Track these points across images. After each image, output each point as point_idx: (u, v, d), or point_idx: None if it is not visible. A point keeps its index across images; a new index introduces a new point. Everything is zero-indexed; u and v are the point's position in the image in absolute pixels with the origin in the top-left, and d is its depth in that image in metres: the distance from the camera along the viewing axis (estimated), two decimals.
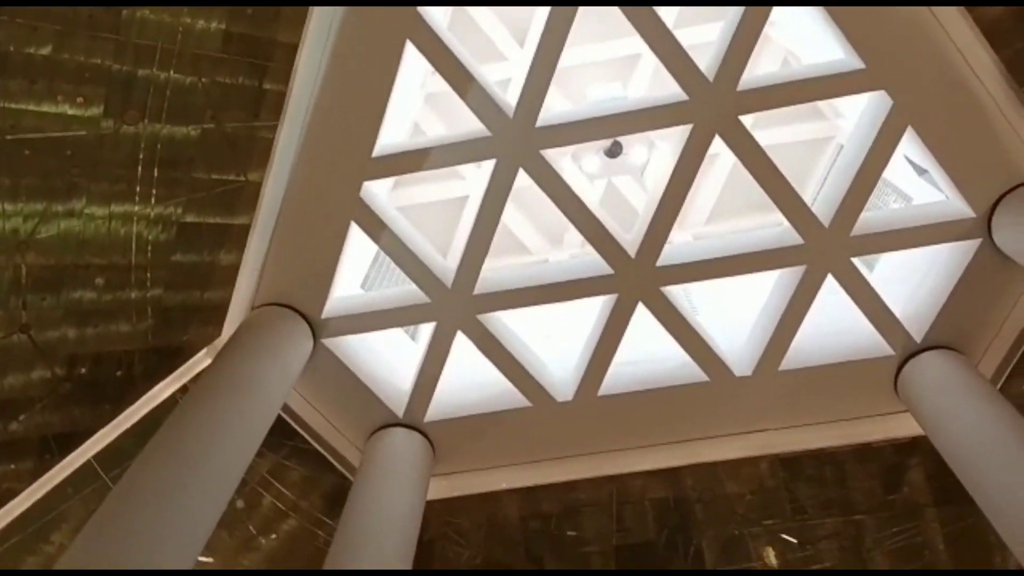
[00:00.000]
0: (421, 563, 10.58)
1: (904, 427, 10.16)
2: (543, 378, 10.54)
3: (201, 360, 9.69)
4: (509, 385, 10.51)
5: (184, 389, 9.58)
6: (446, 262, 10.26)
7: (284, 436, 10.58)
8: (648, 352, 10.94)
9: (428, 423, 10.58)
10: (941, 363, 9.50)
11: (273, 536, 10.83)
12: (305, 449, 10.80)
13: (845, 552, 10.55)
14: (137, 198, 8.38)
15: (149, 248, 8.74)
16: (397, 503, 9.34)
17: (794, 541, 10.72)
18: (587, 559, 11.07)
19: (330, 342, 10.20)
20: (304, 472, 10.89)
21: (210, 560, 10.49)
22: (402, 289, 10.32)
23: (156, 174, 8.36)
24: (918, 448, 10.36)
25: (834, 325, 10.41)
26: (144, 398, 9.48)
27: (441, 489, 10.88)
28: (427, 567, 11.04)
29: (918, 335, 9.75)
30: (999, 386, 9.66)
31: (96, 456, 9.44)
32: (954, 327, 9.64)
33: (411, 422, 10.53)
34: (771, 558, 10.71)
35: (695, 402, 10.53)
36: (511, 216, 12.81)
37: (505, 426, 10.77)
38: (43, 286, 8.43)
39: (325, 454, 10.79)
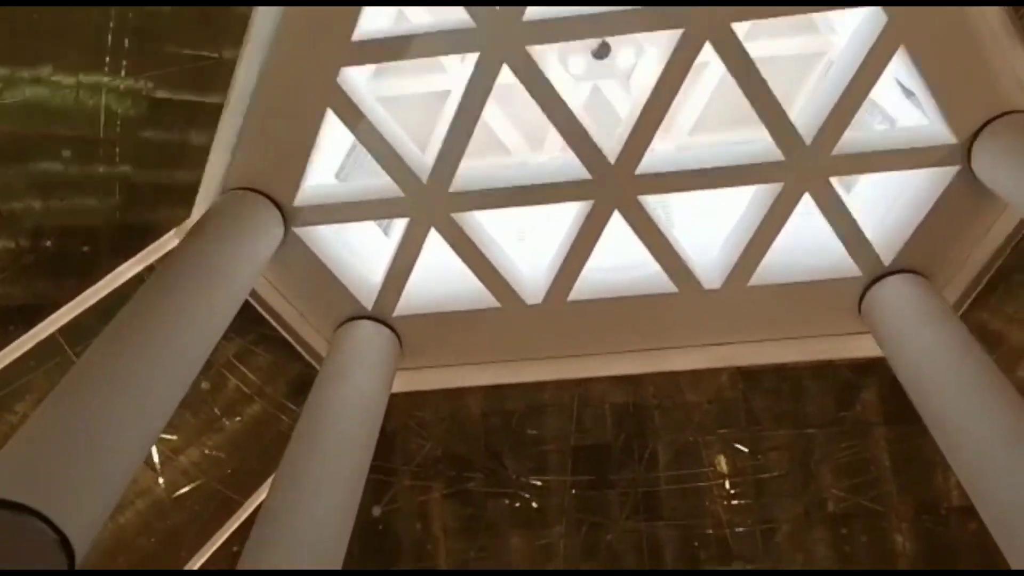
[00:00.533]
0: (383, 453, 10.79)
1: (863, 348, 10.35)
2: (514, 280, 10.56)
3: (169, 241, 9.57)
4: (479, 285, 10.52)
5: (151, 269, 9.49)
6: (423, 157, 10.11)
7: (251, 322, 10.58)
8: (620, 260, 10.96)
9: (396, 317, 10.61)
10: (906, 287, 9.61)
11: (237, 419, 10.95)
12: (272, 336, 10.83)
13: (794, 463, 10.90)
14: (107, 68, 8.09)
15: (118, 122, 8.50)
16: (361, 393, 9.44)
17: (745, 450, 11.04)
18: (545, 457, 11.35)
19: (301, 231, 10.11)
20: (270, 358, 10.94)
21: (173, 438, 10.62)
22: (377, 182, 10.18)
23: (127, 44, 8.05)
24: (875, 369, 10.60)
25: (805, 244, 10.46)
26: (110, 275, 9.38)
27: (406, 382, 11.00)
28: (388, 457, 11.27)
29: (886, 258, 9.84)
30: (960, 313, 9.83)
31: (61, 330, 9.39)
32: (922, 253, 9.73)
33: (379, 315, 10.55)
34: (722, 465, 11.05)
35: (662, 312, 10.63)
36: (492, 114, 12.56)
37: (473, 325, 10.84)
38: (7, 154, 8.21)
39: (292, 342, 10.82)
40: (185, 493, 10.90)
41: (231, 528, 11.05)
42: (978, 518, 7.80)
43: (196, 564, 11.03)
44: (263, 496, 10.59)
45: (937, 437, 8.35)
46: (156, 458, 10.79)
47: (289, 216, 9.85)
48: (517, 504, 11.27)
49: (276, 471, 8.81)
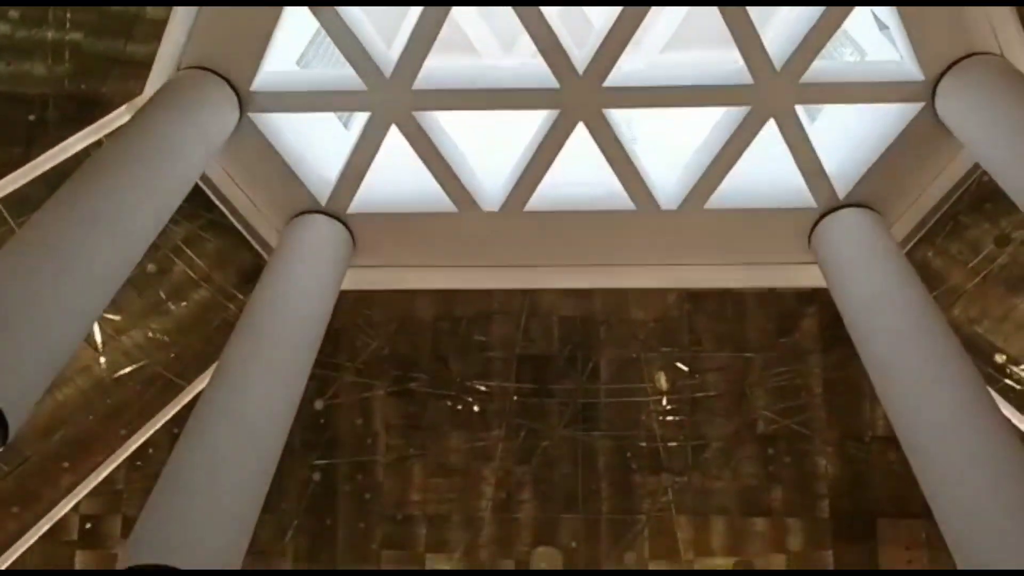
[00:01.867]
0: (328, 349, 10.83)
1: (809, 278, 10.56)
2: (472, 185, 10.48)
3: (120, 116, 9.26)
4: (437, 188, 10.42)
5: (99, 143, 9.21)
6: (388, 51, 9.84)
7: (202, 207, 10.38)
8: (580, 175, 10.91)
9: (351, 214, 10.49)
10: (857, 221, 9.77)
11: (183, 303, 10.86)
12: (223, 223, 10.66)
13: (730, 384, 11.20)
14: None
15: None
16: (310, 287, 9.40)
17: (685, 369, 11.31)
18: (489, 364, 11.49)
19: (257, 117, 9.83)
20: (219, 245, 10.79)
21: (117, 318, 10.51)
22: (338, 73, 9.91)
23: None
24: (817, 299, 10.86)
25: (764, 172, 10.51)
26: (58, 147, 9.09)
27: (357, 281, 10.96)
28: (334, 353, 11.31)
29: (842, 191, 9.95)
30: (906, 250, 10.05)
31: (3, 200, 9.13)
32: (877, 188, 9.86)
33: (333, 211, 10.43)
34: (661, 382, 11.31)
35: (618, 229, 10.68)
36: (464, 13, 12.23)
37: (428, 228, 10.79)
38: None
39: (242, 231, 10.68)
40: (127, 374, 10.86)
41: (172, 411, 11.08)
42: (898, 449, 8.15)
43: (135, 444, 11.08)
44: (206, 382, 10.58)
45: (869, 369, 8.63)
46: (98, 337, 10.69)
47: (245, 100, 9.57)
48: (459, 407, 11.45)
49: (220, 358, 8.79)
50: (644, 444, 11.28)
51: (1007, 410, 10.25)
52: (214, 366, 9.09)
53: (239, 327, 8.94)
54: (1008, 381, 10.50)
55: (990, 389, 8.58)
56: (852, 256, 9.49)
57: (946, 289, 10.39)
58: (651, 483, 11.18)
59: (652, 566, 10.92)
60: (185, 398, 11.12)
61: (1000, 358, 10.45)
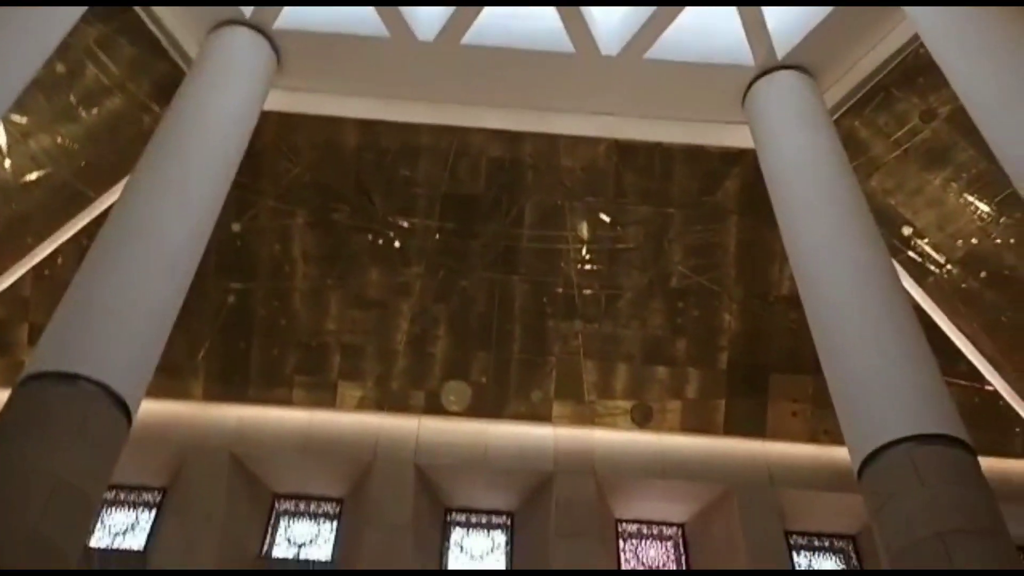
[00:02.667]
0: (248, 171, 10.53)
1: (737, 138, 10.63)
2: (408, 11, 10.02)
3: None
4: (372, 10, 9.94)
5: None
6: None
7: (117, 8, 9.72)
8: (522, 11, 10.52)
9: (277, 30, 9.96)
10: (791, 83, 9.76)
11: (94, 111, 10.32)
12: (139, 28, 10.03)
13: (648, 238, 11.40)
14: None
15: None
16: (230, 103, 9.01)
17: (607, 220, 11.43)
18: (413, 200, 11.38)
19: None
20: (135, 52, 10.18)
21: (23, 120, 9.96)
22: None
23: None
24: (742, 160, 10.97)
25: (706, 27, 10.32)
26: None
27: (281, 102, 10.55)
28: (255, 177, 11.01)
29: (781, 51, 9.88)
30: (835, 117, 10.13)
31: None
32: (815, 51, 9.80)
33: (258, 24, 9.87)
34: (583, 231, 11.43)
35: (555, 72, 10.44)
36: None
37: (360, 53, 10.34)
38: None
39: (160, 37, 10.08)
40: (33, 180, 10.41)
41: (81, 222, 10.74)
42: (798, 309, 8.51)
43: (43, 253, 10.76)
44: (116, 196, 10.23)
45: (782, 230, 8.85)
46: (3, 139, 10.16)
47: None
48: (380, 241, 11.40)
49: (132, 172, 8.46)
50: (560, 290, 11.50)
51: (906, 281, 10.74)
52: (126, 179, 8.77)
53: (155, 140, 8.58)
54: (911, 253, 10.96)
55: (893, 260, 8.95)
56: (782, 118, 9.54)
57: (867, 159, 10.61)
58: (563, 328, 11.48)
59: (557, 406, 11.37)
60: (95, 211, 10.76)
61: (907, 230, 10.86)
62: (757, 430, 11.28)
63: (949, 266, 10.87)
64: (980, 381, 11.10)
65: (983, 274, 10.66)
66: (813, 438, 11.14)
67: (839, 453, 8.93)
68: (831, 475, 10.71)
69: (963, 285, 10.84)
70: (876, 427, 6.72)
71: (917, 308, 10.67)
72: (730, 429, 11.30)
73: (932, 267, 10.96)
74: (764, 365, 11.36)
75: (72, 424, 6.13)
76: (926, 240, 10.86)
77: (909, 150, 10.46)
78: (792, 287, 9.61)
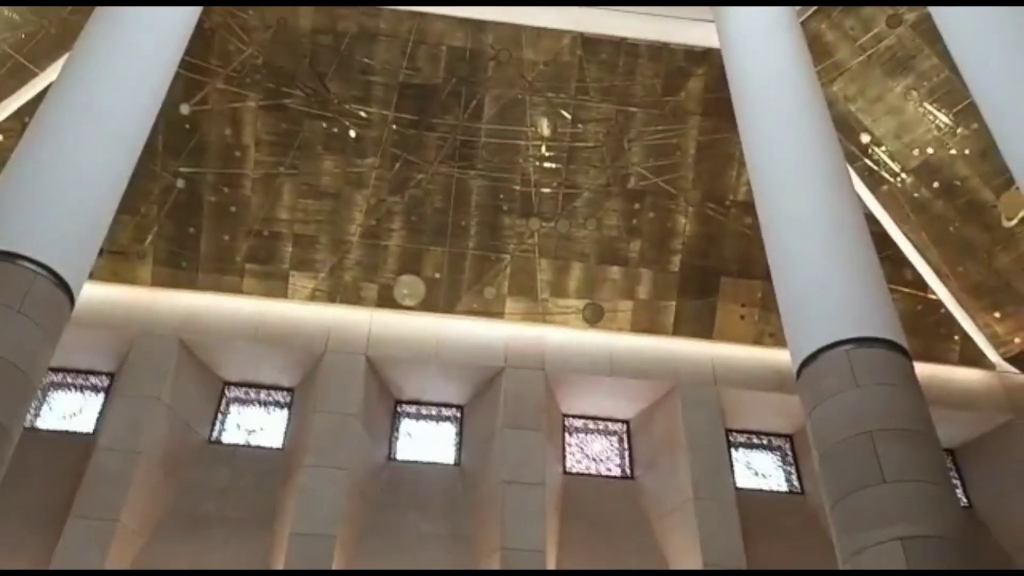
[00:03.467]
0: (197, 50, 10.14)
1: (704, 38, 10.44)
2: None
3: None
4: None
5: None
6: None
7: None
8: None
9: None
10: None
11: None
12: None
13: (609, 137, 11.29)
14: None
15: None
16: None
17: (568, 117, 11.27)
18: (369, 88, 11.08)
19: None
20: None
21: None
22: None
23: None
24: (708, 60, 10.82)
25: None
26: None
27: None
28: (204, 56, 10.61)
29: None
30: (803, 19, 9.96)
31: None
32: None
33: None
34: (542, 128, 11.27)
35: None
36: None
37: None
38: None
39: None
40: None
41: (23, 98, 10.29)
42: (754, 215, 8.55)
43: None
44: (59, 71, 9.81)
45: (742, 132, 8.80)
46: None
47: None
48: (335, 129, 11.13)
49: (74, 45, 8.07)
50: (518, 188, 11.41)
51: (860, 188, 10.83)
52: (68, 54, 8.37)
53: (97, 12, 8.15)
54: (867, 161, 11.02)
55: (849, 167, 8.97)
56: (750, 17, 9.33)
57: (831, 64, 10.53)
58: (519, 225, 11.44)
59: (509, 303, 11.43)
60: (38, 85, 10.31)
61: (865, 138, 10.88)
62: (705, 331, 11.49)
63: (903, 175, 10.96)
64: (924, 289, 11.37)
65: (936, 184, 10.78)
66: (758, 341, 11.39)
67: (782, 356, 9.13)
68: (773, 377, 11.01)
69: (915, 195, 10.97)
70: (817, 329, 6.87)
71: (869, 216, 10.78)
72: (678, 330, 11.49)
73: (887, 175, 11.04)
74: (716, 269, 11.49)
75: (11, 303, 6.02)
76: (883, 148, 10.90)
77: (873, 56, 10.39)
78: (749, 193, 9.62)
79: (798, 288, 7.32)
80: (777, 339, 10.30)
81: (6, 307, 5.96)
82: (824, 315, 6.94)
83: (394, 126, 11.19)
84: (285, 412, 11.08)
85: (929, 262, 11.23)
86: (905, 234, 11.20)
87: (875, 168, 11.01)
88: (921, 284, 11.35)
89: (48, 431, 10.29)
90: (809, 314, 7.10)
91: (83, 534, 8.94)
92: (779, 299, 7.62)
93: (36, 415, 10.44)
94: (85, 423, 10.41)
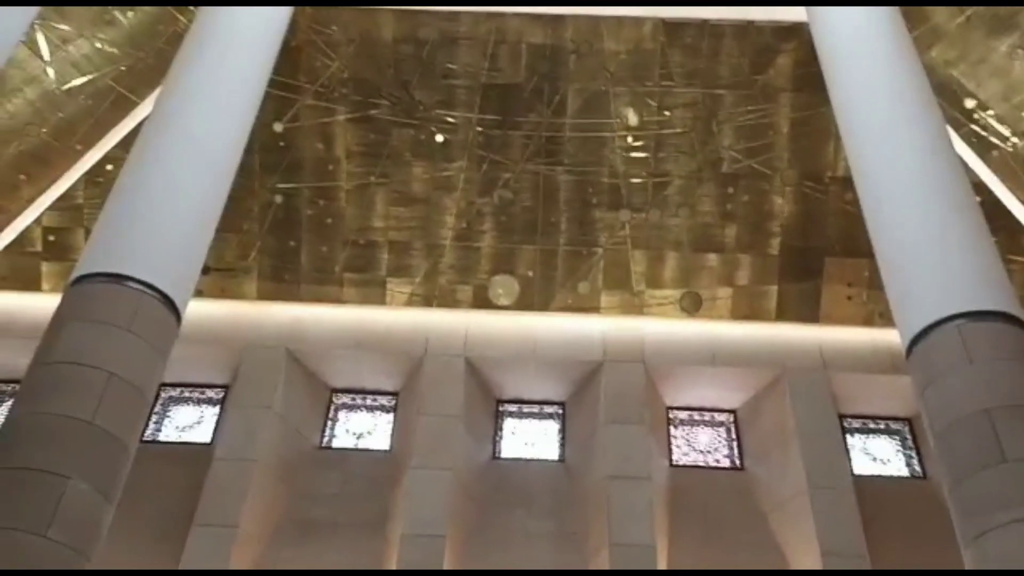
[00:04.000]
0: (286, 69, 10.46)
1: (791, 12, 10.09)
2: None
3: None
4: None
5: None
6: None
7: None
8: None
9: None
10: None
11: (130, 13, 10.27)
12: None
13: (696, 122, 11.05)
14: None
15: None
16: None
17: (653, 105, 11.08)
18: (453, 92, 11.19)
19: None
20: None
21: (64, 27, 9.96)
22: None
23: None
24: (796, 35, 10.46)
25: None
26: None
27: None
28: (292, 74, 10.93)
29: None
30: None
31: None
32: None
33: None
34: (628, 118, 11.11)
35: None
36: None
37: None
38: None
39: None
40: (77, 87, 10.49)
41: (127, 128, 10.83)
42: (854, 190, 8.17)
43: (92, 159, 10.94)
44: None
45: (836, 107, 8.43)
46: (44, 46, 10.21)
47: None
48: (422, 136, 11.29)
49: (168, 72, 8.43)
50: (606, 180, 11.30)
51: (969, 156, 10.26)
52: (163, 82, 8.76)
53: (187, 40, 8.49)
54: (974, 127, 10.41)
55: (954, 133, 8.51)
56: None
57: (928, 28, 10.00)
58: (609, 218, 11.33)
59: (604, 297, 11.33)
60: (140, 114, 10.83)
61: (970, 103, 10.28)
62: (810, 315, 11.11)
63: (1014, 139, 10.30)
64: None
65: None
66: (868, 321, 10.95)
67: (894, 336, 8.71)
68: (886, 358, 10.56)
69: None
70: (926, 305, 6.51)
71: (980, 184, 10.22)
72: (782, 315, 11.15)
73: (996, 140, 10.40)
74: (818, 249, 11.09)
75: (121, 323, 6.30)
76: (990, 112, 10.27)
77: (972, 17, 9.81)
78: (848, 168, 9.23)
79: (903, 263, 6.95)
80: (888, 319, 9.78)
81: (116, 327, 6.25)
82: (932, 289, 6.57)
83: (479, 128, 11.26)
84: (391, 416, 11.30)
85: None
86: (1021, 200, 10.53)
87: (983, 134, 10.39)
88: None
89: (169, 443, 10.81)
90: (916, 289, 6.74)
91: (206, 541, 9.33)
92: (884, 276, 7.26)
93: (158, 429, 10.97)
94: (203, 435, 10.88)
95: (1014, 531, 5.27)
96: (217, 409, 11.15)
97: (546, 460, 10.84)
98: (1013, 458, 5.54)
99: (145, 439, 10.65)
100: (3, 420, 6.39)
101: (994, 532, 5.38)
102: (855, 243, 10.60)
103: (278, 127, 11.05)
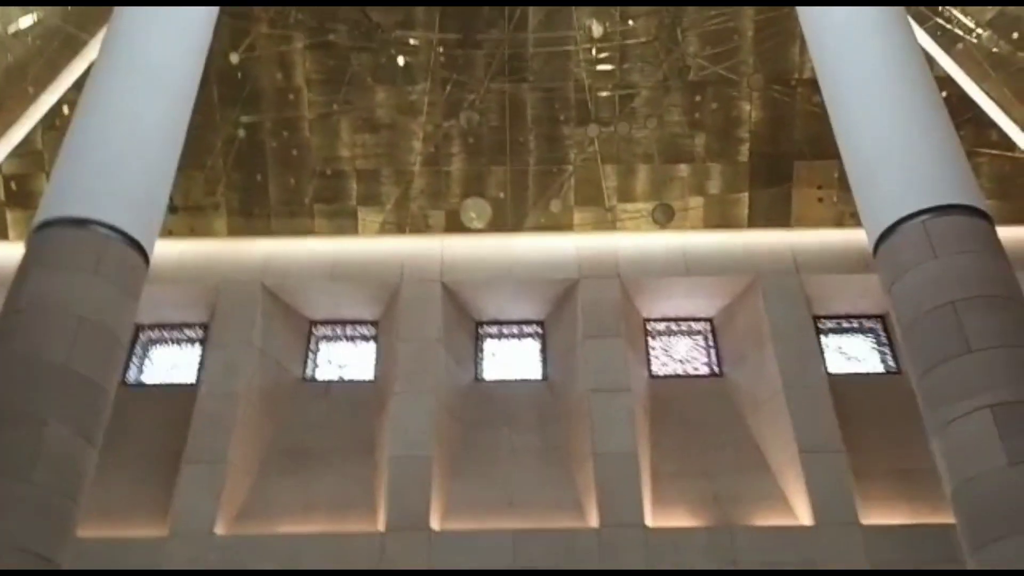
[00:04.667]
0: None
1: None
2: None
3: None
4: None
5: None
6: None
7: None
8: None
9: None
10: None
11: None
12: None
13: (661, 29, 10.86)
14: None
15: None
16: None
17: (616, 14, 10.86)
18: (411, 12, 10.89)
19: None
20: None
21: None
22: None
23: None
24: None
25: None
26: None
27: None
28: (246, 4, 10.60)
29: None
30: None
31: None
32: None
33: None
34: (592, 29, 10.89)
35: None
36: None
37: None
38: None
39: None
40: (24, 29, 10.17)
41: (79, 68, 10.53)
42: (820, 92, 8.12)
43: (47, 103, 10.67)
44: None
45: (800, 9, 8.32)
46: None
47: None
48: (383, 59, 11.05)
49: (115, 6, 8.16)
50: (572, 95, 11.16)
51: (934, 49, 10.18)
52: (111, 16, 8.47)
53: None
54: (938, 19, 10.30)
55: (918, 27, 8.43)
56: None
57: None
58: (578, 134, 11.23)
59: (577, 214, 11.32)
60: (92, 55, 10.51)
61: None
62: (782, 219, 11.17)
63: (979, 30, 10.22)
64: (1012, 149, 10.71)
65: (1015, 35, 10.02)
66: (839, 222, 11.03)
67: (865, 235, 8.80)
68: (858, 258, 10.58)
69: (994, 49, 10.25)
70: (891, 202, 6.57)
71: (945, 78, 10.18)
72: (754, 221, 11.21)
73: (961, 32, 10.32)
74: (787, 153, 11.07)
75: (87, 267, 6.24)
76: (954, 4, 10.17)
77: None
78: (814, 69, 9.13)
79: (868, 162, 6.97)
80: (859, 219, 9.90)
81: (82, 271, 6.19)
82: (896, 187, 6.61)
83: (440, 48, 11.04)
84: (372, 344, 11.35)
85: (1015, 119, 10.54)
86: (986, 92, 10.50)
87: (948, 26, 10.29)
88: (1008, 144, 10.68)
89: (154, 386, 10.85)
90: (881, 187, 6.78)
91: (197, 477, 9.46)
92: (850, 176, 7.30)
93: (140, 371, 10.99)
94: (187, 375, 10.90)
95: (978, 418, 5.43)
96: (199, 348, 11.15)
97: (528, 379, 10.97)
98: (977, 348, 5.67)
99: (130, 383, 10.73)
100: None
101: (960, 420, 5.54)
102: (824, 145, 10.51)
103: (234, 58, 10.78)
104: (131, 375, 10.89)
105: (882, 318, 11.23)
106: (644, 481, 9.56)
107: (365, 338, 11.43)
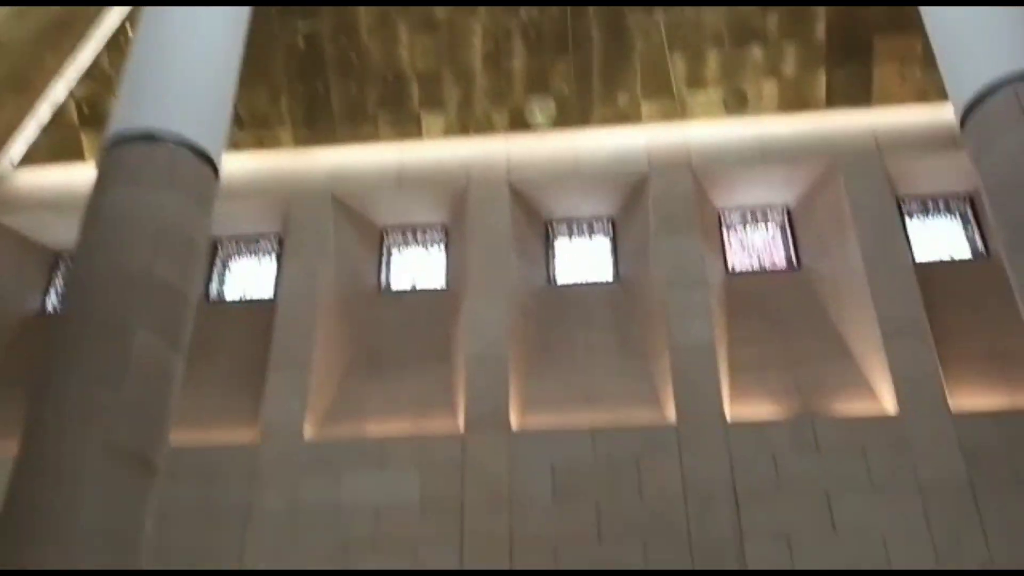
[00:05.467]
0: None
1: None
2: None
3: None
4: None
5: None
6: None
7: None
8: None
9: None
10: None
11: None
12: None
13: None
14: None
15: None
16: None
17: None
18: None
19: None
20: None
21: None
22: None
23: None
24: None
25: None
26: None
27: None
28: None
29: None
30: None
31: None
32: None
33: None
34: None
35: None
36: None
37: None
38: None
39: None
40: None
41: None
42: None
43: (112, 22, 10.72)
44: None
45: None
46: None
47: None
48: None
49: None
50: None
51: None
52: None
53: None
54: None
55: None
56: None
57: None
58: (643, 21, 10.76)
59: (645, 105, 10.96)
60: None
61: None
62: (862, 99, 10.63)
63: None
64: None
65: None
66: (923, 98, 10.42)
67: (951, 110, 8.33)
68: (946, 134, 10.09)
69: None
70: (978, 69, 6.14)
71: None
72: (833, 102, 10.70)
73: None
74: (867, 27, 10.42)
75: (160, 178, 6.34)
76: None
77: None
78: None
79: (952, 26, 6.52)
80: (944, 92, 9.35)
81: (155, 183, 6.29)
82: (984, 51, 6.18)
83: None
84: (443, 249, 11.39)
85: None
86: None
87: None
88: None
89: (235, 302, 11.14)
90: (968, 53, 6.35)
91: (283, 386, 9.76)
92: (933, 44, 6.87)
93: (221, 285, 11.30)
94: (266, 290, 11.14)
95: None
96: (275, 260, 11.38)
97: (600, 282, 10.87)
98: None
99: (212, 299, 11.05)
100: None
101: None
102: (906, 17, 9.92)
103: None
104: (212, 290, 11.20)
105: (970, 199, 10.73)
106: (722, 372, 9.49)
107: (436, 242, 11.46)
